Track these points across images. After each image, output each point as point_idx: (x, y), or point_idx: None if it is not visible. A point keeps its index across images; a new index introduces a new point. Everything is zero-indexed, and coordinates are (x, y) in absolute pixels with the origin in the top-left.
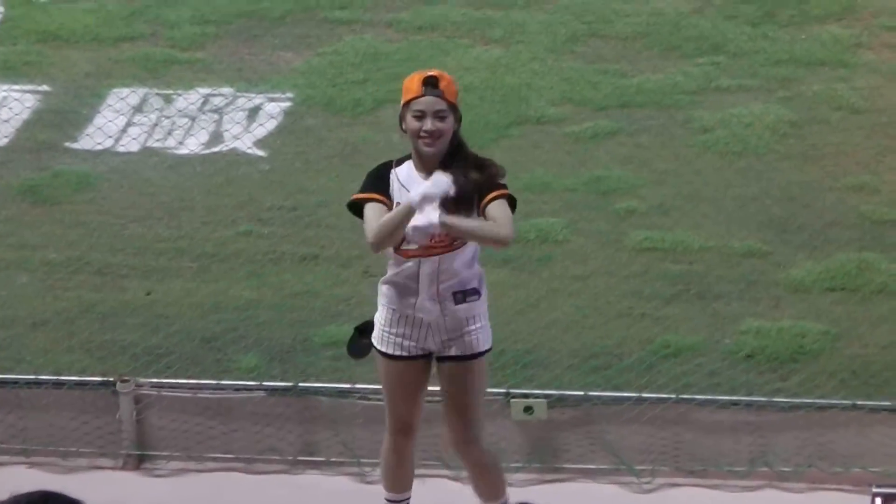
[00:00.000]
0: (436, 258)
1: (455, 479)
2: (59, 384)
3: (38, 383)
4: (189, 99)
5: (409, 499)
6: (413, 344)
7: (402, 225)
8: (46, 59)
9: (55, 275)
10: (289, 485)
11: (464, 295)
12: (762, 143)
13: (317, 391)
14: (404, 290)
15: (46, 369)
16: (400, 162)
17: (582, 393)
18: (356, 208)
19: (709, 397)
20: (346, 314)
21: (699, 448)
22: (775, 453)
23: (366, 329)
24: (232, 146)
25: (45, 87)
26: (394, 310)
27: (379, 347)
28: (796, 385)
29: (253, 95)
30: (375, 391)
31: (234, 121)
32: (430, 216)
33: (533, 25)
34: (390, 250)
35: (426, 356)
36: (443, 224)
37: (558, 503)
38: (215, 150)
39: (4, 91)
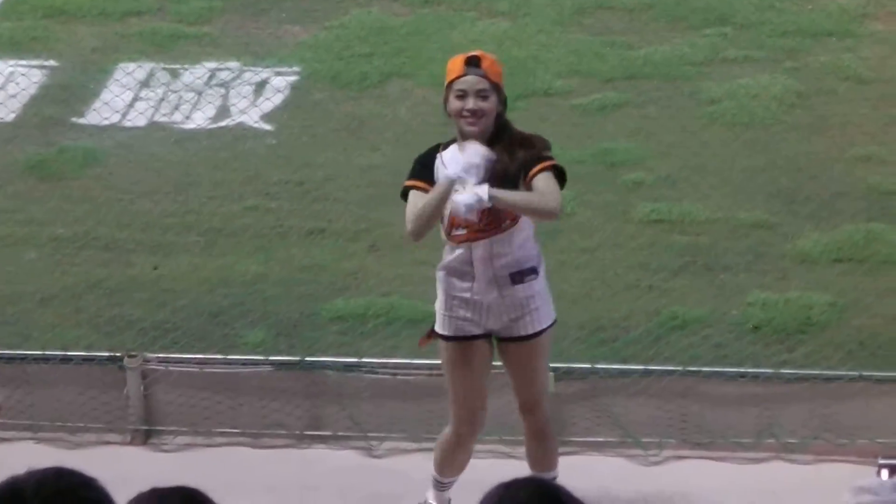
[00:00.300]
0: (487, 241)
1: None
2: (66, 360)
3: (45, 359)
4: (195, 73)
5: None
6: (474, 325)
7: (440, 206)
8: (53, 35)
9: (62, 250)
10: (295, 459)
11: (521, 275)
12: (769, 115)
13: (323, 365)
14: (461, 274)
15: (54, 345)
16: (447, 145)
17: (589, 366)
18: (405, 194)
19: (715, 369)
20: (353, 288)
21: (706, 420)
22: (781, 425)
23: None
24: (239, 120)
25: (51, 63)
26: (452, 295)
27: (440, 330)
28: (803, 357)
29: (259, 69)
30: (383, 365)
31: (241, 95)
32: (478, 191)
33: None
34: (443, 236)
35: (487, 336)
36: (491, 197)
37: (566, 476)
38: (222, 124)
39: (11, 66)
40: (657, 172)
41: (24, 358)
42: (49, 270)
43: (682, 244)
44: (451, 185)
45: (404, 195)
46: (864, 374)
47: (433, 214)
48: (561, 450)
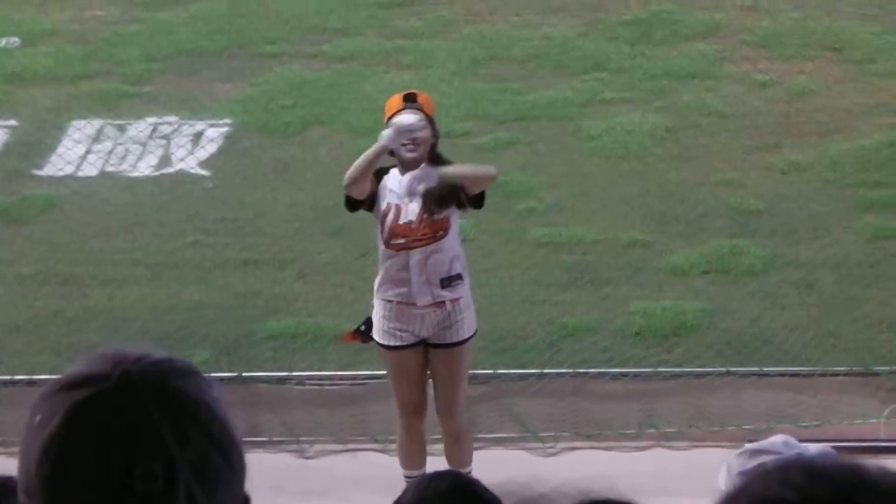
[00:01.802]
0: (423, 249)
1: (382, 451)
2: (31, 383)
3: (13, 383)
4: (140, 128)
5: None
6: (408, 333)
7: (373, 162)
8: (13, 98)
9: (26, 286)
10: None
11: (450, 280)
12: (643, 147)
13: (258, 379)
14: (397, 282)
15: (22, 370)
16: (387, 170)
17: (491, 371)
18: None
19: (601, 370)
20: (283, 311)
21: (594, 415)
22: (660, 417)
23: (365, 327)
24: (179, 168)
25: (12, 122)
26: (389, 303)
27: (379, 341)
28: (679, 356)
29: (196, 122)
30: (311, 377)
31: (180, 145)
32: (429, 174)
33: (440, 52)
34: (381, 247)
35: (421, 343)
36: (442, 175)
37: (475, 469)
38: (164, 171)
39: None
40: (547, 201)
41: None
42: (15, 304)
43: (570, 262)
44: (388, 139)
45: (347, 203)
46: (731, 369)
47: (365, 168)
48: None
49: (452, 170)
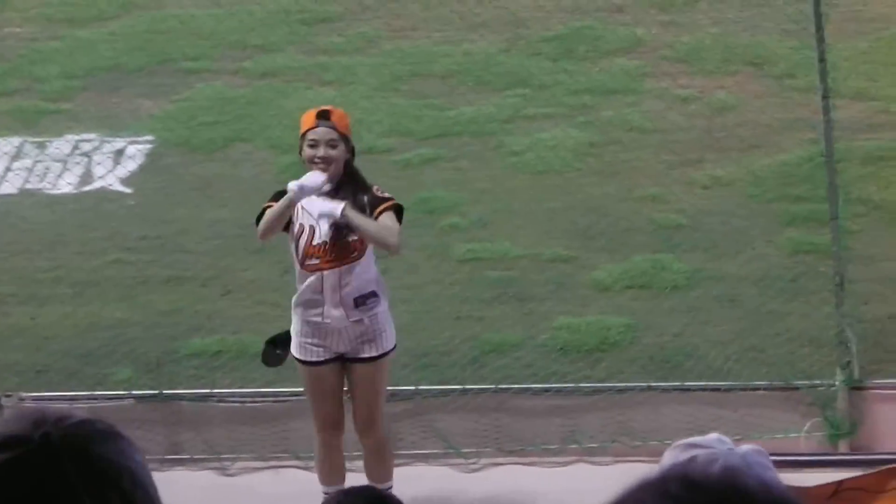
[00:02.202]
0: (336, 270)
1: (304, 468)
2: None
3: None
4: (60, 145)
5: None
6: (325, 349)
7: (284, 214)
8: None
9: None
10: (158, 481)
11: (364, 298)
12: (566, 163)
13: (180, 397)
14: (311, 301)
15: None
16: None
17: (413, 387)
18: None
19: (523, 386)
20: (207, 327)
21: (517, 430)
22: (583, 432)
23: (277, 341)
24: (100, 185)
25: None
26: (305, 321)
27: (296, 356)
28: (602, 371)
29: (117, 140)
30: (232, 394)
31: (101, 163)
32: (334, 205)
33: (362, 69)
34: (297, 267)
35: (338, 358)
36: (343, 215)
37: (397, 485)
38: (86, 189)
39: None
40: (470, 216)
41: None
42: None
43: (494, 278)
44: (293, 201)
45: (260, 219)
46: (654, 384)
47: (277, 220)
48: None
49: (355, 215)
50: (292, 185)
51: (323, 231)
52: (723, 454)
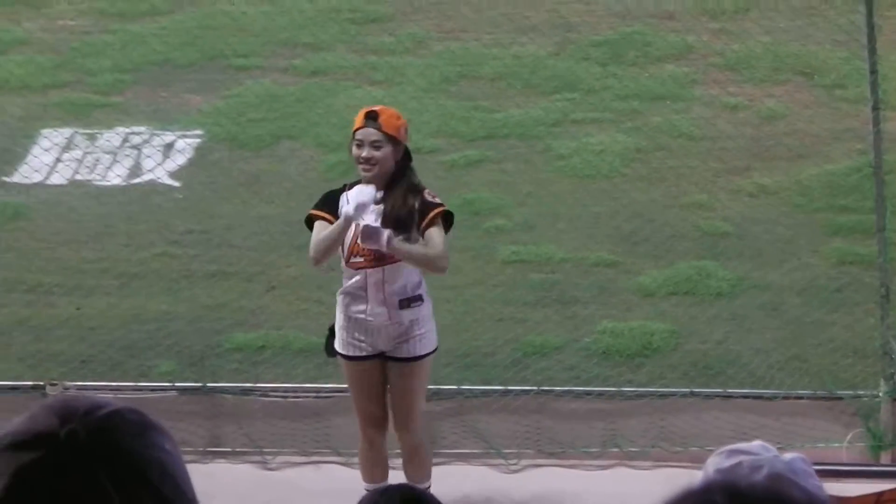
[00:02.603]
0: (380, 269)
1: (345, 464)
2: None
3: None
4: (110, 137)
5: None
6: (367, 345)
7: (338, 239)
8: None
9: None
10: (198, 473)
11: (408, 301)
12: (612, 168)
13: (222, 390)
14: (355, 298)
15: None
16: (351, 186)
17: (456, 387)
18: (309, 222)
19: (566, 388)
20: (250, 322)
21: (558, 433)
22: (624, 436)
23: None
24: (149, 178)
25: None
26: (348, 316)
27: (340, 351)
28: (644, 376)
29: (166, 133)
30: (275, 389)
31: (151, 156)
32: (379, 236)
33: (411, 69)
34: (342, 262)
35: (380, 356)
36: (390, 247)
37: (437, 484)
38: (134, 181)
39: None
40: (515, 219)
41: None
42: None
43: (538, 281)
44: (347, 222)
45: (308, 222)
46: (695, 390)
47: (331, 246)
48: (433, 461)
49: (402, 246)
50: (348, 210)
51: (364, 241)
52: (768, 461)
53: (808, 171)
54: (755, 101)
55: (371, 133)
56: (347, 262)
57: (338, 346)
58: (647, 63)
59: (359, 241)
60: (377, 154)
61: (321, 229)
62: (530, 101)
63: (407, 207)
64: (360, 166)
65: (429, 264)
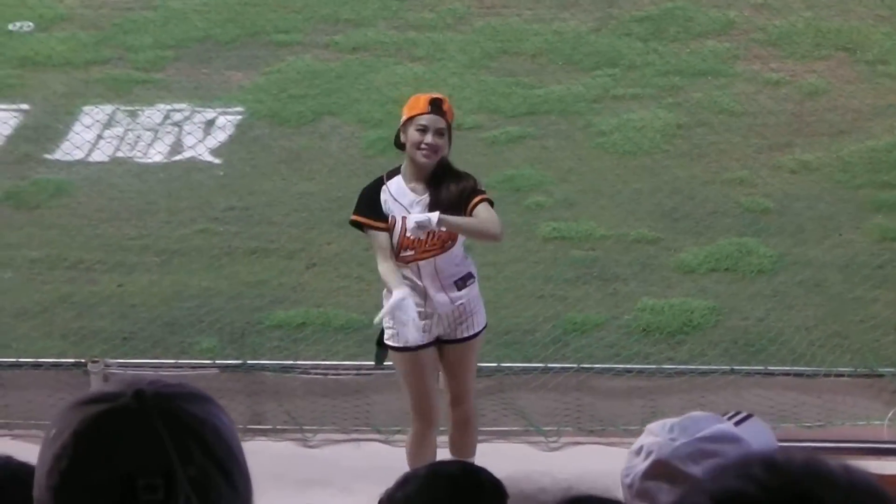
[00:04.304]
0: (431, 259)
1: (385, 442)
2: (37, 366)
3: (18, 365)
4: (151, 114)
5: None
6: (425, 333)
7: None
8: (26, 82)
9: (35, 270)
10: None
11: (463, 280)
12: (653, 144)
13: (263, 367)
14: (411, 291)
15: (28, 353)
16: (390, 176)
17: (496, 364)
18: (354, 223)
19: (605, 366)
20: (291, 299)
21: (598, 410)
22: (664, 413)
23: (381, 341)
24: (190, 155)
25: (25, 106)
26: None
27: (392, 344)
28: (684, 354)
29: (208, 110)
30: (315, 366)
31: (191, 133)
32: (429, 217)
33: (452, 45)
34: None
35: (435, 342)
36: (441, 221)
37: (477, 462)
38: (175, 158)
39: None
40: (556, 196)
41: None
42: (23, 288)
43: (579, 257)
44: (401, 297)
45: (355, 225)
46: (736, 367)
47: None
48: None
49: (456, 222)
50: (418, 234)
51: (415, 232)
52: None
53: (850, 147)
54: (797, 76)
55: (438, 120)
56: (398, 256)
57: (388, 338)
58: (688, 39)
59: (408, 234)
60: (441, 142)
61: (382, 242)
62: (571, 76)
63: (453, 194)
64: (421, 151)
65: (484, 232)
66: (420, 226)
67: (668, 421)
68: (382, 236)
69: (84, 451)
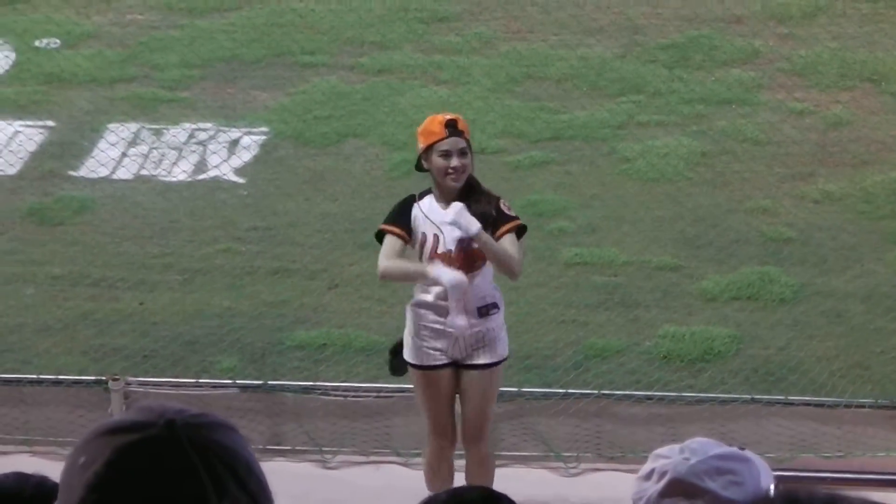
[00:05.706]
0: None
1: (405, 465)
2: (57, 382)
3: (39, 382)
4: (176, 133)
5: None
6: (442, 353)
7: (412, 279)
8: (51, 99)
9: (58, 287)
10: None
11: (486, 309)
12: (677, 172)
13: (283, 388)
14: (435, 307)
15: (49, 370)
16: (422, 196)
17: (516, 389)
18: (379, 235)
19: (626, 392)
20: (312, 320)
21: (618, 437)
22: (684, 441)
23: (397, 350)
24: (214, 174)
25: (50, 123)
26: (424, 325)
27: (412, 360)
28: (705, 382)
29: (232, 130)
30: (335, 387)
31: (216, 152)
32: (471, 222)
33: (477, 69)
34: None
35: (452, 364)
36: (479, 232)
37: (495, 487)
38: (200, 177)
39: (14, 126)
40: (579, 221)
41: (20, 381)
42: (46, 304)
43: (600, 283)
44: (425, 277)
45: (379, 236)
46: (756, 396)
47: (403, 279)
48: None
49: (488, 243)
50: (446, 280)
51: (448, 240)
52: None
53: (873, 178)
54: (821, 106)
55: (458, 141)
56: None
57: (409, 355)
58: (713, 67)
59: (446, 218)
60: (465, 161)
61: (393, 244)
62: (596, 102)
63: (486, 217)
64: (450, 176)
65: (507, 264)
66: (459, 218)
67: (674, 445)
68: (398, 242)
69: (119, 482)
